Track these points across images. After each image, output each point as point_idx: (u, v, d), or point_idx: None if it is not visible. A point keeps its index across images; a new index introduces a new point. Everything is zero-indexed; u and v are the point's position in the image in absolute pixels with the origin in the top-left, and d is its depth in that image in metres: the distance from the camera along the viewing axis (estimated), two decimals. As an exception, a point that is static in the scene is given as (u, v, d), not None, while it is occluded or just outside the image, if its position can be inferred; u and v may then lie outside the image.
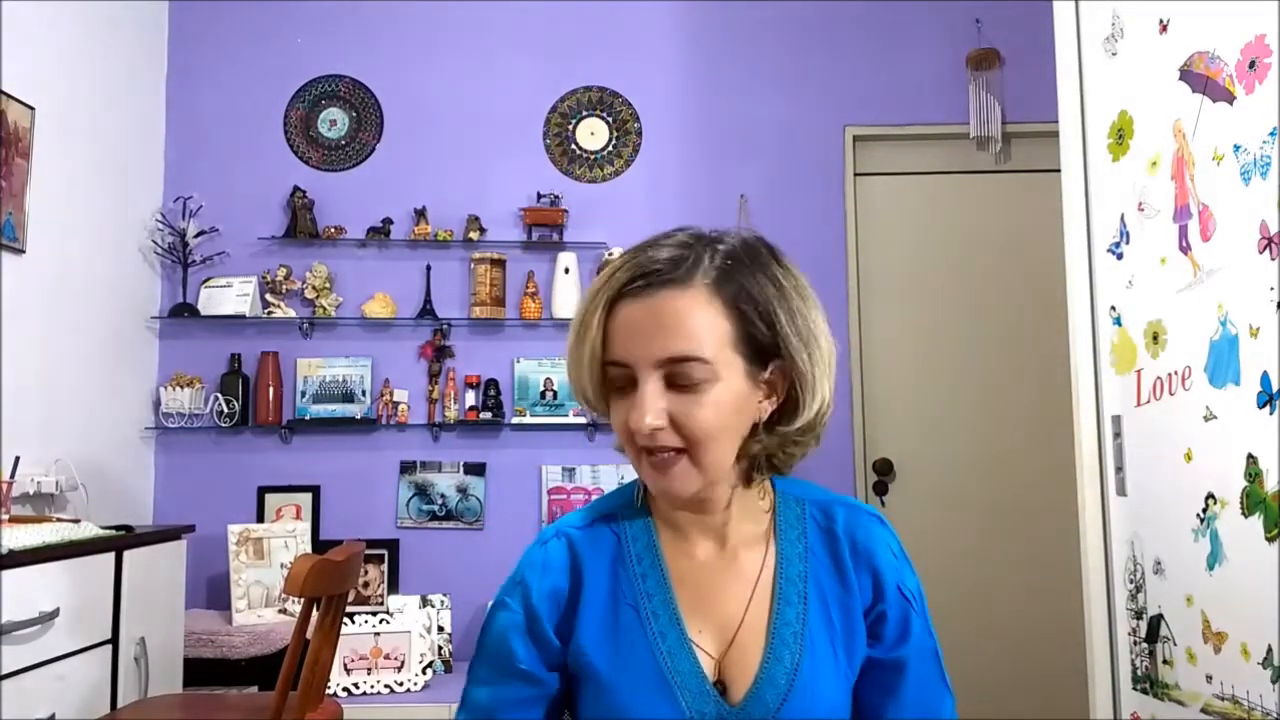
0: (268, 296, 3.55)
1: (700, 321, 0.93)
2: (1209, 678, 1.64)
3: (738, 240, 0.99)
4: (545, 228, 3.58)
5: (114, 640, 2.41)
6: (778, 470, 1.04)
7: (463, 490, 3.53)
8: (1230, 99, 1.59)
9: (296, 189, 3.57)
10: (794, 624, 0.99)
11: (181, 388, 3.45)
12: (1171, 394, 1.74)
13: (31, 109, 2.83)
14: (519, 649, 1.00)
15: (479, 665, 1.04)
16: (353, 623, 3.17)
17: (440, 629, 3.32)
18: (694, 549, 1.03)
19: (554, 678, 1.02)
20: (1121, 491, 1.91)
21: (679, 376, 0.93)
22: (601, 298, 0.96)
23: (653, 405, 0.93)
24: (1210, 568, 1.63)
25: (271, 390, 3.48)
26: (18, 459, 2.64)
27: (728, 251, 0.97)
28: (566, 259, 3.55)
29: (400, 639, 3.18)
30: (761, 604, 1.00)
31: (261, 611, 3.18)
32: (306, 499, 3.50)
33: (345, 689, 3.08)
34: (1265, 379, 1.50)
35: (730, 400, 0.94)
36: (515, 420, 3.53)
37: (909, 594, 1.03)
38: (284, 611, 3.19)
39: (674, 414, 0.94)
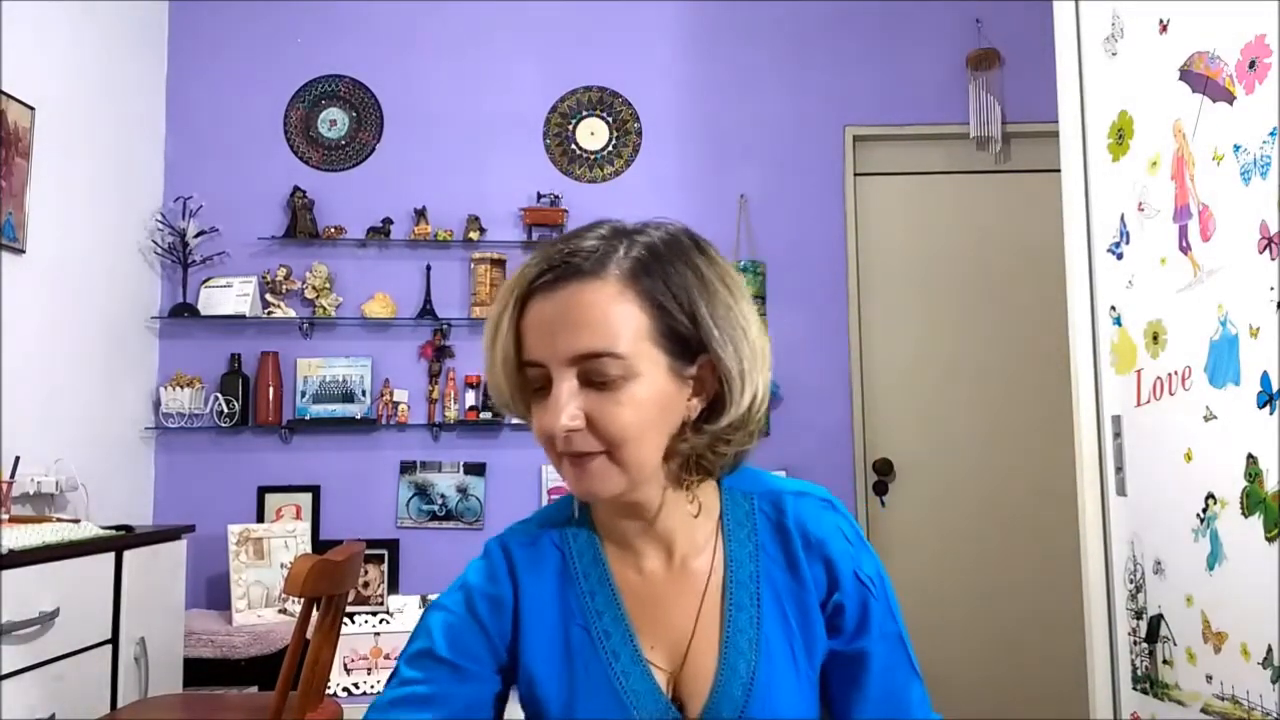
0: (268, 296, 3.55)
1: (613, 314, 0.87)
2: (1209, 678, 1.64)
3: (660, 232, 0.94)
4: (545, 228, 3.57)
5: (114, 640, 2.42)
6: (708, 473, 0.97)
7: (463, 490, 3.53)
8: (1230, 99, 1.59)
9: (296, 189, 3.57)
10: (748, 630, 0.95)
11: (181, 388, 3.45)
12: (1171, 394, 1.74)
13: (31, 109, 2.83)
14: (442, 642, 0.96)
15: (400, 658, 0.98)
16: (353, 623, 3.17)
17: (440, 629, 3.31)
18: (641, 561, 0.99)
19: (486, 674, 0.97)
20: (1121, 491, 1.91)
21: (594, 373, 0.87)
22: (512, 295, 0.91)
23: (567, 405, 0.87)
24: (1210, 568, 1.63)
25: (271, 390, 3.48)
26: (18, 459, 2.64)
27: (646, 243, 0.91)
28: (566, 259, 3.54)
29: (400, 639, 3.18)
30: (712, 612, 0.96)
31: (261, 611, 3.18)
32: (306, 499, 3.50)
33: (345, 689, 3.09)
34: (1265, 379, 1.50)
35: (651, 398, 0.89)
36: (515, 420, 3.50)
37: (866, 579, 0.97)
38: (284, 611, 3.19)
39: (590, 414, 0.88)
